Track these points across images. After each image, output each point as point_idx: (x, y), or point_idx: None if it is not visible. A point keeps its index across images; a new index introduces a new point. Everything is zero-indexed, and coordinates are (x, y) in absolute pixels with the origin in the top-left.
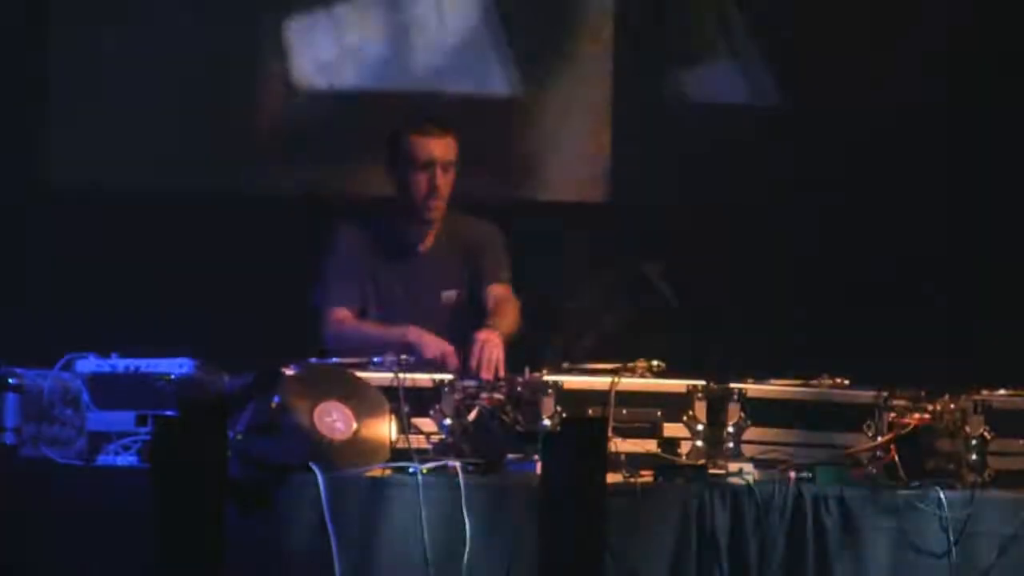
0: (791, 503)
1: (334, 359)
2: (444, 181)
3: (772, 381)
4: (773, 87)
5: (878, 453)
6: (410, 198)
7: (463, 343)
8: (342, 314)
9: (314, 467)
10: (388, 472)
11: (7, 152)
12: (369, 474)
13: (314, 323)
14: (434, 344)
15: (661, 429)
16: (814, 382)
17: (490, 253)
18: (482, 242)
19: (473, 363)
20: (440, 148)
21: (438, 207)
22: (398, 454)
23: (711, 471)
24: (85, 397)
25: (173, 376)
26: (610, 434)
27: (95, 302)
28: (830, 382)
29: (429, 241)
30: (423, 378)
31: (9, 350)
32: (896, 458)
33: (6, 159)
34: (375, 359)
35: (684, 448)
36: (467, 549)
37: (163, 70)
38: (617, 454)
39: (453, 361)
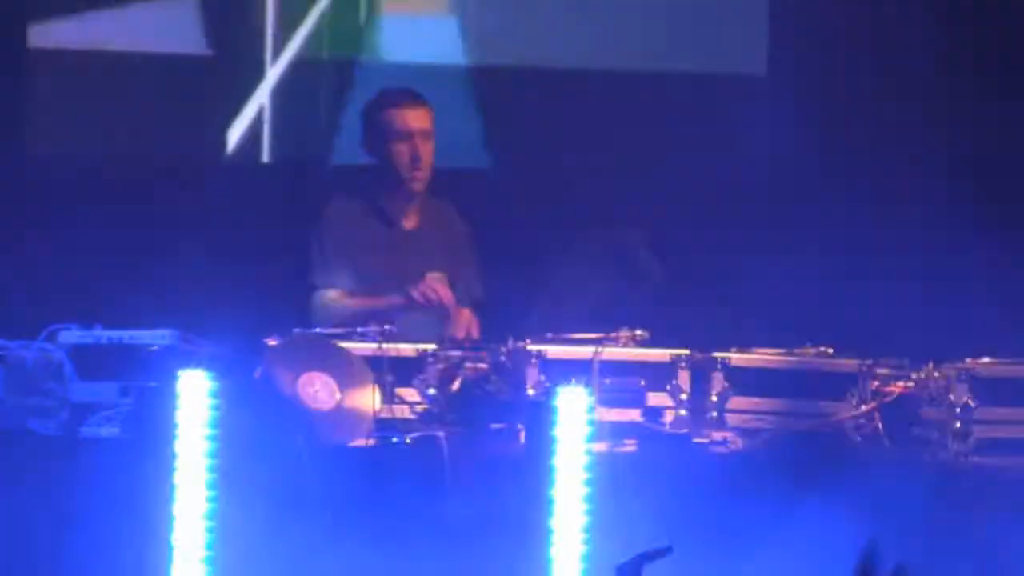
0: (774, 471)
1: (317, 329)
2: (425, 150)
3: (756, 350)
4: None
5: (862, 421)
6: (393, 170)
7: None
8: (332, 294)
9: (298, 438)
10: (372, 442)
11: None
12: (353, 444)
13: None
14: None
15: (645, 398)
16: (798, 351)
17: (467, 259)
18: (463, 242)
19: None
20: (418, 119)
21: (422, 177)
22: (382, 424)
23: (695, 440)
24: (68, 368)
25: (156, 347)
26: (594, 403)
27: (78, 273)
28: (814, 351)
29: (413, 219)
30: (406, 348)
31: None
32: (880, 426)
33: None
34: (359, 329)
35: (668, 417)
36: (451, 518)
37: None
38: (601, 423)
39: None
